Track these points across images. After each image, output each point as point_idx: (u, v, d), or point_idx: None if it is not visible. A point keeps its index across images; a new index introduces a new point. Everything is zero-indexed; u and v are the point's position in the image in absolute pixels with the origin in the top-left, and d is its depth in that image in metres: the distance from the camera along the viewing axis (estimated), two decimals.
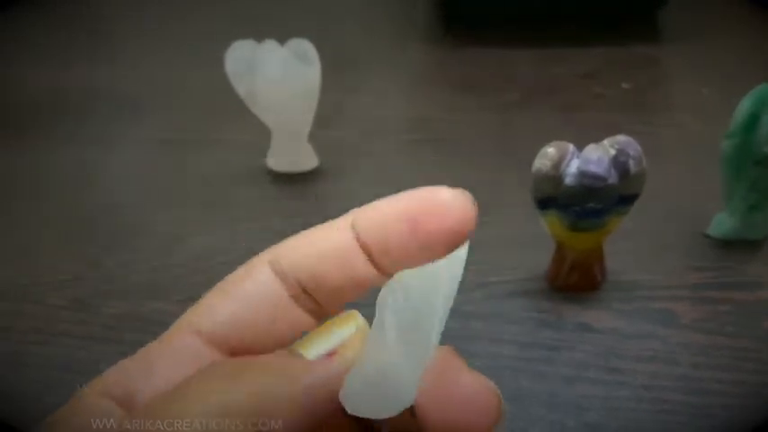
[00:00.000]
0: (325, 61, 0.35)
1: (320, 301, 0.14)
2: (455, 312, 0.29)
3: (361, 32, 0.50)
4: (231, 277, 0.14)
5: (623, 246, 0.29)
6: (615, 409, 0.23)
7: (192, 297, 0.13)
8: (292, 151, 0.35)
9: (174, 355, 0.13)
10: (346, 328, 0.13)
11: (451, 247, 0.13)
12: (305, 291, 0.14)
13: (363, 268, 0.13)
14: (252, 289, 0.13)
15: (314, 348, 0.13)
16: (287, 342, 0.13)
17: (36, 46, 0.49)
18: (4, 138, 0.39)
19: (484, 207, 0.36)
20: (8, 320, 0.27)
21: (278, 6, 0.54)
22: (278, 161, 0.35)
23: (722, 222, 0.29)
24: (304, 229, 0.13)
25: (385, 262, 0.13)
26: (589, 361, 0.24)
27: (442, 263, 0.13)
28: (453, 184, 0.38)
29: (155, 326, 0.14)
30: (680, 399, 0.23)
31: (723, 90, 0.40)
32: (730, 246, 0.29)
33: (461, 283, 0.31)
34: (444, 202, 0.14)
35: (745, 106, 0.26)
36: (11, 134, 0.39)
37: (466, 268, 0.28)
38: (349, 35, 0.50)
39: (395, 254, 0.13)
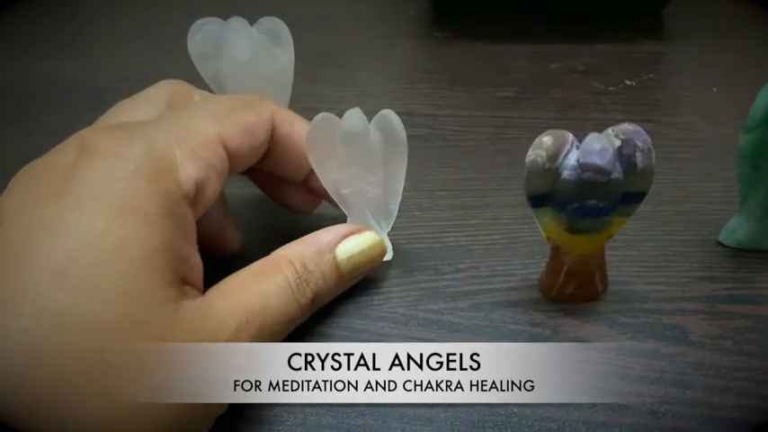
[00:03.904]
0: (306, 49, 0.32)
1: None
2: (436, 322, 0.26)
3: (347, 20, 0.48)
4: None
5: (627, 253, 0.26)
6: None
7: None
8: None
9: None
10: None
11: None
12: None
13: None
14: None
15: None
16: None
17: (5, 37, 0.47)
18: None
19: (473, 209, 0.33)
20: None
21: None
22: None
23: (736, 228, 0.26)
24: None
25: None
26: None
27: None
28: (441, 183, 0.35)
29: None
30: (694, 427, 0.20)
31: (733, 88, 0.37)
32: (746, 254, 0.26)
33: (444, 290, 0.28)
34: None
35: (764, 98, 0.23)
36: None
37: (452, 275, 0.25)
38: (333, 22, 0.47)
39: None
